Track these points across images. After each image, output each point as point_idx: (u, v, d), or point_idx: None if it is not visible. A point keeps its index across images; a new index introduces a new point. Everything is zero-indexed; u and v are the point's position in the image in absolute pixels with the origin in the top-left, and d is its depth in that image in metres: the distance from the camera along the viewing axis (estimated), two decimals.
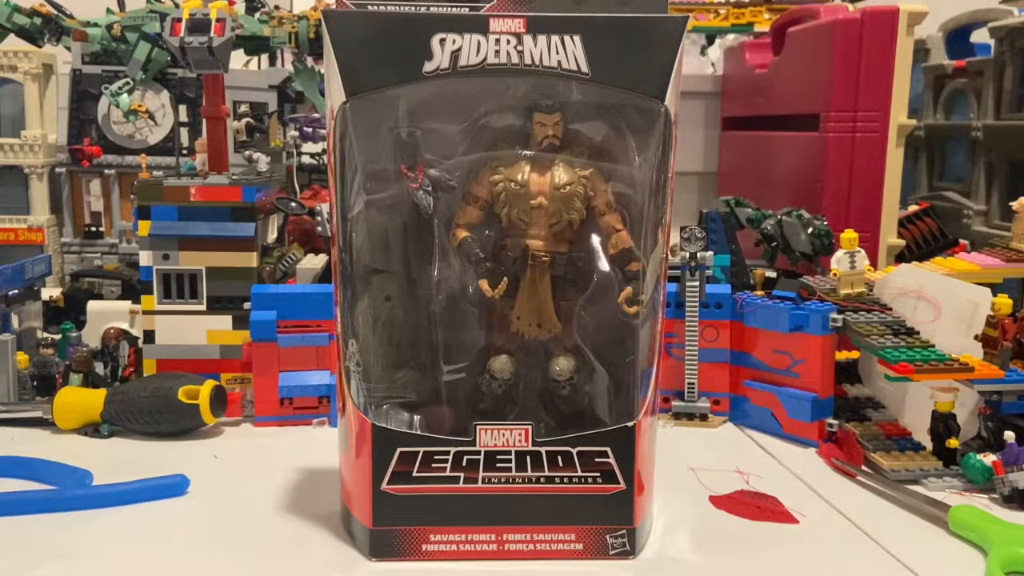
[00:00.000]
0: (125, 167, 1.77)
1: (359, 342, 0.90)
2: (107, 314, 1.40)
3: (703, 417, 1.24)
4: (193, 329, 1.27)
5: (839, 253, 1.22)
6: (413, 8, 0.86)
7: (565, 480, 0.85)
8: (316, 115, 1.80)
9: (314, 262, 1.37)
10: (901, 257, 1.54)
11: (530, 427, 0.85)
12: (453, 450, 0.84)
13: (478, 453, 0.84)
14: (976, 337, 1.11)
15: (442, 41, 0.82)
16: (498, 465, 0.84)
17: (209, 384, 1.16)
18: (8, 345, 1.24)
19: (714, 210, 1.45)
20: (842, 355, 1.25)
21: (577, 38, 0.82)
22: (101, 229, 1.82)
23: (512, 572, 0.84)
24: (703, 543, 0.90)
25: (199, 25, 1.27)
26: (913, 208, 1.61)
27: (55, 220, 1.85)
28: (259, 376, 1.22)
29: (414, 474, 0.84)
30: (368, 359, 0.91)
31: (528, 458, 0.85)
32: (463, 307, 0.93)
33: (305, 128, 1.77)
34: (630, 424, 0.85)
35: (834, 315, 1.15)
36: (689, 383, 1.24)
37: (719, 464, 1.09)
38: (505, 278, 0.91)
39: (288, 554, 0.87)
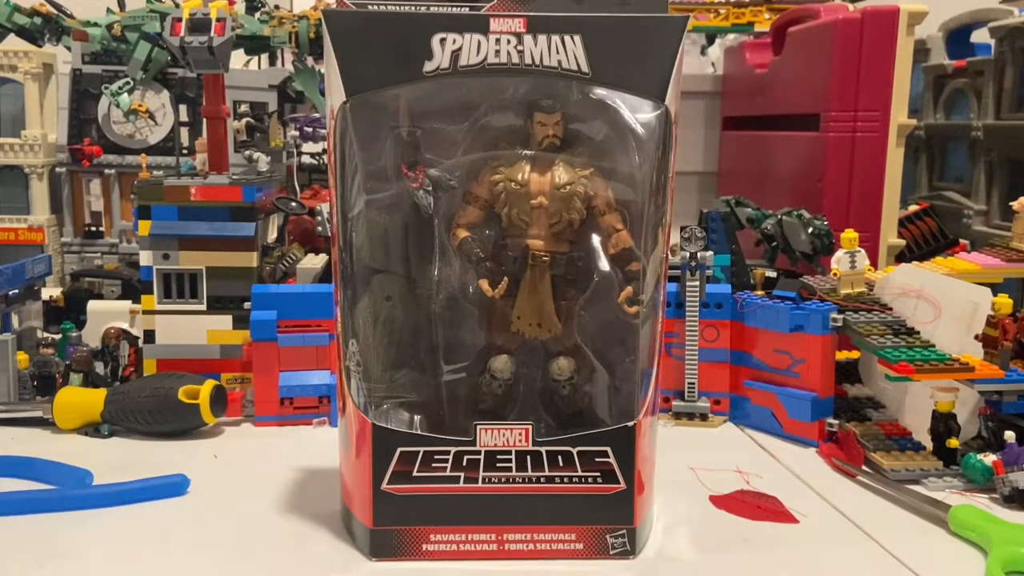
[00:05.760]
0: (125, 167, 1.77)
1: (359, 342, 0.90)
2: (107, 314, 1.40)
3: (703, 417, 1.24)
4: (193, 329, 1.27)
5: (839, 253, 1.22)
6: (413, 8, 0.86)
7: (565, 480, 0.85)
8: (316, 115, 1.80)
9: (314, 262, 1.37)
10: (901, 257, 1.54)
11: (530, 427, 0.85)
12: (453, 450, 0.84)
13: (478, 453, 0.84)
14: (976, 337, 1.11)
15: (442, 41, 0.82)
16: (498, 465, 0.84)
17: (209, 384, 1.16)
18: (8, 345, 1.23)
19: (714, 210, 1.45)
20: (842, 355, 1.25)
21: (577, 38, 0.82)
22: (101, 229, 1.82)
23: (512, 572, 0.84)
24: (703, 543, 0.90)
25: (199, 25, 1.27)
26: (913, 208, 1.61)
27: (55, 220, 1.84)
28: (259, 376, 1.22)
29: (414, 474, 0.84)
30: (368, 359, 0.91)
31: (528, 458, 0.84)
32: (463, 307, 0.93)
33: (305, 128, 1.77)
34: (630, 424, 0.85)
35: (834, 315, 1.15)
36: (689, 383, 1.24)
37: (719, 464, 1.09)
38: (505, 278, 0.91)
39: (288, 554, 0.87)
